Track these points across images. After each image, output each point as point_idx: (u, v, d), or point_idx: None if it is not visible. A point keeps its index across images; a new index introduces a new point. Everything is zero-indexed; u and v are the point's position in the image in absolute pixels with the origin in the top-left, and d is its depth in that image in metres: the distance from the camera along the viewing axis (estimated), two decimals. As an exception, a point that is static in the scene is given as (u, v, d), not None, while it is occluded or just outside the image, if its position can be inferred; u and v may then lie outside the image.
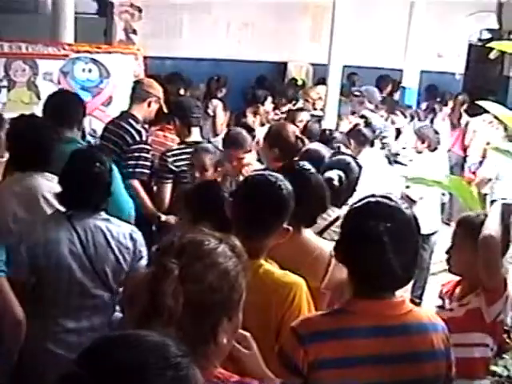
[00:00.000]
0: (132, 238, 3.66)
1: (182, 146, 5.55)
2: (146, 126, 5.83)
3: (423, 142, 7.66)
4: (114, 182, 3.85)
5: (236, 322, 1.92)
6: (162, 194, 5.39)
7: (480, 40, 14.29)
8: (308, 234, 3.41)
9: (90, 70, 7.07)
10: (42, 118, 4.78)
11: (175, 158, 5.37)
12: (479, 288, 3.30)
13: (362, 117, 7.64)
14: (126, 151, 5.46)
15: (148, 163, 5.51)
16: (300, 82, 11.67)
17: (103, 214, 3.66)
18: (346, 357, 2.28)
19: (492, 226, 3.20)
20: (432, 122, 10.21)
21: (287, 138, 5.14)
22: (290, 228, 2.83)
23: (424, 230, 6.88)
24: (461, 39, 14.26)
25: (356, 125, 7.18)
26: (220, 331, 1.85)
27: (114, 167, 4.80)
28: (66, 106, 5.07)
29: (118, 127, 5.56)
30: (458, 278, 3.61)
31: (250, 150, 5.45)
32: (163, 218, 5.29)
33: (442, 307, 3.53)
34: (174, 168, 5.35)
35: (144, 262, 3.61)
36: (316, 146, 5.19)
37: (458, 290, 3.52)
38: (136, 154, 5.44)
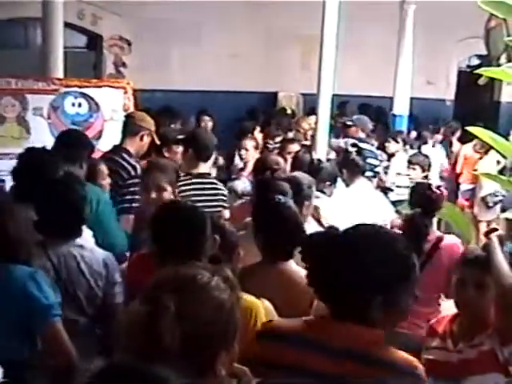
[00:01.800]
0: (106, 265, 3.71)
1: (187, 178, 5.53)
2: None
3: (422, 171, 7.77)
4: (105, 216, 3.89)
5: (233, 353, 1.93)
6: None
7: (469, 66, 14.44)
8: (290, 266, 3.45)
9: (79, 105, 7.10)
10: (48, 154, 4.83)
11: (180, 190, 5.27)
12: (490, 328, 3.25)
13: (354, 145, 7.67)
14: (122, 186, 5.47)
15: None
16: (289, 111, 11.73)
17: (78, 241, 3.73)
18: (288, 364, 2.25)
19: (506, 271, 3.20)
20: (419, 148, 10.25)
21: None
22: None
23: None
24: (450, 66, 14.41)
25: (347, 152, 7.19)
26: (218, 364, 1.86)
27: (108, 201, 4.86)
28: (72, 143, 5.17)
29: (113, 162, 5.56)
30: (448, 314, 3.57)
31: None
32: None
33: (443, 348, 3.44)
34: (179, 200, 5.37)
35: (118, 288, 3.70)
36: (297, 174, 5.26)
37: (455, 328, 3.45)
38: (132, 189, 5.44)
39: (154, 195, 4.59)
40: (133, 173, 5.51)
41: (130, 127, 5.79)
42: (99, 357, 3.38)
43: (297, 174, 5.26)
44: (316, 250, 2.30)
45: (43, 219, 3.59)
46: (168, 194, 4.61)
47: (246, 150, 7.91)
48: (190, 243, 3.11)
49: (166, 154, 6.41)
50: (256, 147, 8.05)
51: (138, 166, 5.56)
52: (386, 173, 9.06)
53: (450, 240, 4.80)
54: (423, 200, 4.77)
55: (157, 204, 3.88)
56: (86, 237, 3.98)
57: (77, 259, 3.66)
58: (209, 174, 5.63)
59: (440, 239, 4.74)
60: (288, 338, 2.28)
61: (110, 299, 3.69)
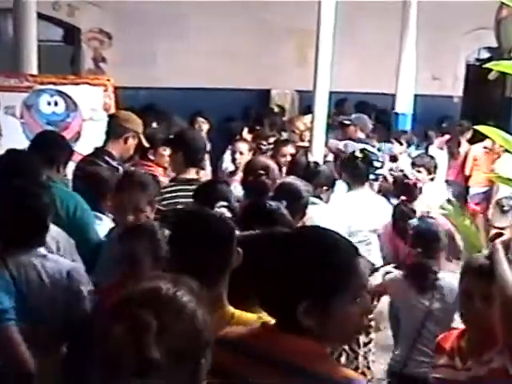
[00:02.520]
0: (70, 276, 3.70)
1: (173, 184, 5.52)
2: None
3: (428, 173, 7.76)
4: (82, 223, 3.90)
5: (209, 361, 2.03)
6: None
7: (478, 60, 14.45)
8: None
9: (55, 103, 7.09)
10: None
11: (164, 197, 5.25)
12: (500, 343, 3.21)
13: (362, 150, 7.60)
14: None
15: None
16: (277, 110, 11.71)
17: (41, 251, 3.72)
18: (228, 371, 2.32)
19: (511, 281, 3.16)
20: (427, 150, 10.25)
21: None
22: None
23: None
24: (458, 59, 14.41)
25: (354, 158, 7.10)
26: (201, 374, 1.99)
27: (87, 208, 4.82)
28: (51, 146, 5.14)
29: (94, 166, 5.50)
30: (456, 330, 3.60)
31: None
32: None
33: (451, 366, 3.45)
34: (161, 208, 5.28)
35: (84, 302, 3.69)
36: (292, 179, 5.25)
37: (463, 344, 3.46)
38: None
39: (130, 217, 4.30)
40: None
41: (113, 128, 5.77)
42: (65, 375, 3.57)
43: (292, 179, 5.24)
44: (252, 254, 2.40)
45: (2, 227, 3.65)
46: (145, 216, 4.35)
47: (241, 153, 7.87)
48: (219, 260, 2.89)
49: (152, 157, 6.38)
50: (250, 150, 8.02)
51: (121, 170, 5.50)
52: (392, 176, 9.07)
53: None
54: (404, 189, 5.97)
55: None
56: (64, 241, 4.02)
57: (37, 270, 3.65)
58: (197, 180, 5.54)
59: None
60: (234, 346, 2.35)
61: (76, 313, 3.68)
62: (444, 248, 5.27)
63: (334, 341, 2.35)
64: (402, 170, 8.24)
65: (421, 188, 6.58)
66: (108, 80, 7.66)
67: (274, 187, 5.15)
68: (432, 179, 7.83)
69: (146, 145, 5.99)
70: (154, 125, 8.80)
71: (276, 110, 11.83)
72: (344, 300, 2.20)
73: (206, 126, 10.02)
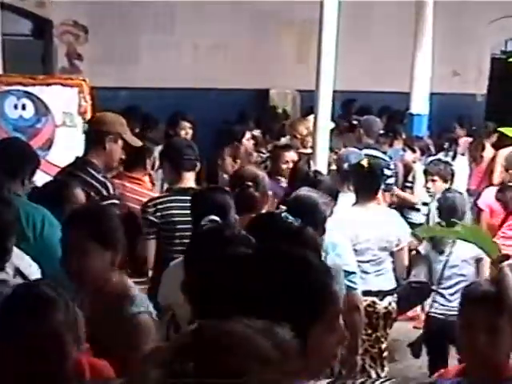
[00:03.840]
0: None
1: (167, 194, 5.71)
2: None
3: (444, 181, 7.83)
4: (51, 243, 3.90)
5: None
6: (144, 252, 5.49)
7: (504, 52, 14.52)
8: None
9: (23, 107, 7.09)
10: None
11: (157, 208, 5.47)
12: (506, 381, 3.23)
13: (369, 159, 7.64)
14: None
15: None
16: (280, 111, 11.77)
17: (2, 274, 3.74)
18: None
19: None
20: (454, 156, 10.30)
21: None
22: None
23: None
24: (481, 52, 14.46)
25: (361, 168, 7.16)
26: None
27: (56, 224, 4.84)
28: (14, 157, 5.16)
29: (76, 180, 5.40)
30: (453, 367, 3.59)
31: None
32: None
33: None
34: (155, 220, 5.45)
35: None
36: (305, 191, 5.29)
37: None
38: None
39: (74, 265, 3.60)
40: (104, 192, 5.47)
41: (90, 135, 5.78)
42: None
43: (306, 191, 5.27)
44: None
45: None
46: (107, 260, 3.65)
47: (235, 161, 8.00)
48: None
49: (149, 167, 6.45)
50: (234, 159, 8.13)
51: (108, 184, 5.52)
52: (410, 187, 9.14)
53: None
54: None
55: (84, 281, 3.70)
56: (25, 266, 4.00)
57: None
58: (193, 189, 5.60)
59: None
60: None
61: None
62: None
63: (309, 370, 2.31)
64: (411, 182, 8.28)
65: None
66: (84, 80, 7.65)
67: (289, 200, 5.19)
68: (448, 189, 7.87)
69: (138, 144, 5.99)
70: (137, 130, 8.88)
71: (279, 110, 11.87)
72: (320, 328, 2.24)
73: (191, 132, 10.01)
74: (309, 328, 2.23)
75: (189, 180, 5.72)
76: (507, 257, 3.37)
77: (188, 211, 4.92)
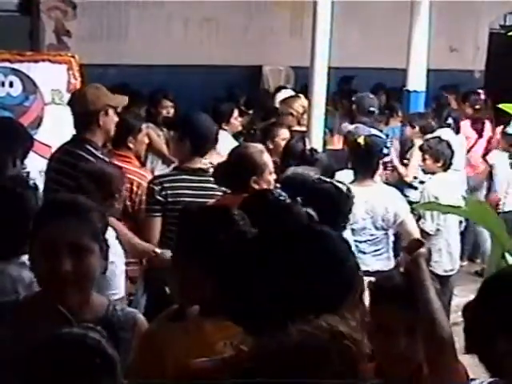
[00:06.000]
0: None
1: (175, 172, 5.72)
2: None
3: (435, 161, 7.83)
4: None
5: None
6: (149, 230, 5.50)
7: (503, 27, 14.50)
8: None
9: (10, 84, 7.10)
10: None
11: (163, 186, 5.46)
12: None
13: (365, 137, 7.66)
14: None
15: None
16: (272, 90, 11.74)
17: (21, 258, 3.71)
18: None
19: (437, 306, 2.79)
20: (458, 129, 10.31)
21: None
22: None
23: (439, 271, 7.04)
24: (479, 27, 14.44)
25: (357, 144, 7.18)
26: None
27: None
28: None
29: (76, 158, 5.51)
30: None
31: None
32: (158, 250, 5.34)
33: None
34: (161, 199, 5.45)
35: None
36: (299, 169, 5.30)
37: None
38: None
39: (67, 266, 2.85)
40: None
41: (79, 117, 5.74)
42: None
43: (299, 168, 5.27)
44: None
45: None
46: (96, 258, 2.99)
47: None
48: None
49: (131, 145, 6.44)
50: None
51: (107, 161, 5.56)
52: (404, 164, 9.15)
53: None
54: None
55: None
56: None
57: (12, 279, 3.67)
58: (203, 171, 5.63)
59: None
60: None
61: None
62: None
63: None
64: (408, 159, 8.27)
65: None
66: (72, 56, 7.65)
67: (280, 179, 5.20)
68: (447, 168, 7.89)
69: (124, 102, 6.02)
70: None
71: (271, 89, 11.85)
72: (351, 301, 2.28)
73: (172, 111, 9.96)
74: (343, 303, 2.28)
75: (199, 162, 5.70)
76: (421, 243, 3.02)
77: (196, 192, 4.95)
